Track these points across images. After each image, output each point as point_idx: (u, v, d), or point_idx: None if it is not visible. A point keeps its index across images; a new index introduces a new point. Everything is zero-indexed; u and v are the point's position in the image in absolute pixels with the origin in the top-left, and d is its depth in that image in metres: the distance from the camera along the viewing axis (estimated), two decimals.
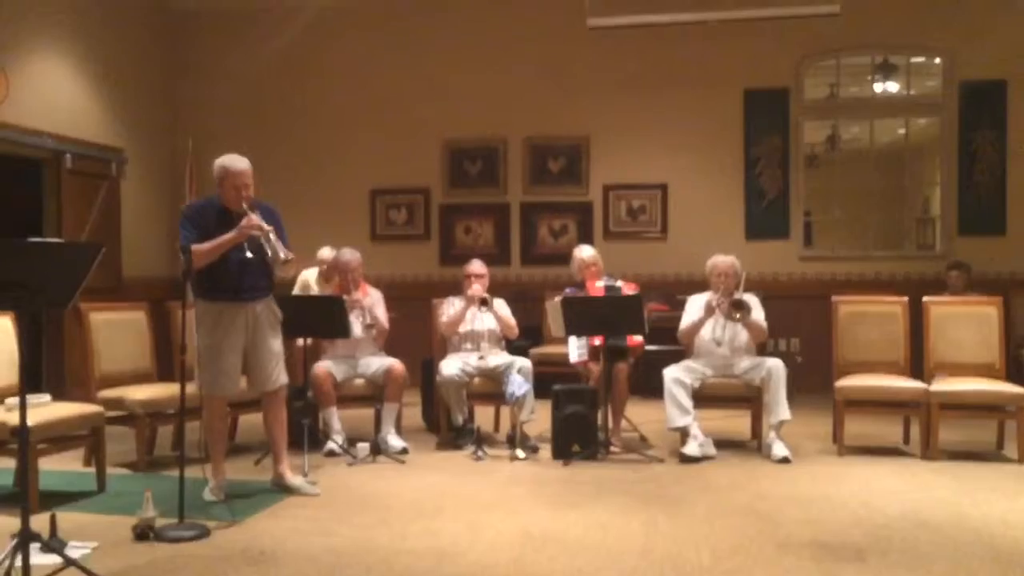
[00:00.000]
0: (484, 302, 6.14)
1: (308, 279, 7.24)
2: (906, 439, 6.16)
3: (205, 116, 9.55)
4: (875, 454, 5.92)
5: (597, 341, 5.98)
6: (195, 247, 4.57)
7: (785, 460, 5.60)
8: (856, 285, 8.60)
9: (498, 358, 6.20)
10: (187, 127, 9.36)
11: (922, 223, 10.08)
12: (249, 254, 4.70)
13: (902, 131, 9.54)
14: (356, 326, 6.08)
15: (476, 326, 6.32)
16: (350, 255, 6.30)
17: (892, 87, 9.23)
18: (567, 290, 6.33)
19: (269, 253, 4.64)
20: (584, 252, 6.44)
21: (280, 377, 5.00)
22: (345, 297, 6.04)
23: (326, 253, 7.10)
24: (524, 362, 6.13)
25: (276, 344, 4.97)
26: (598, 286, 6.24)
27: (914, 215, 10.06)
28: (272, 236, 4.65)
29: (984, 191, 8.64)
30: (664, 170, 9.11)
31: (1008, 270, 8.47)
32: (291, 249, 4.85)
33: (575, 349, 6.15)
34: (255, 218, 4.64)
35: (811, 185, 9.35)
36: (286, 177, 8.90)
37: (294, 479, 5.01)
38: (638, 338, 6.09)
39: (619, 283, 6.21)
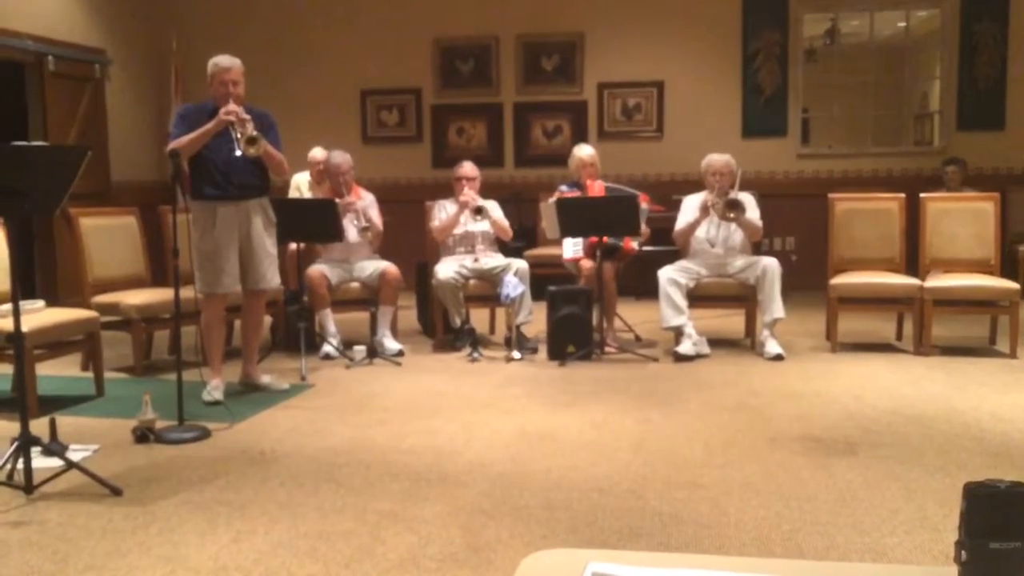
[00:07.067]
0: (479, 211, 6.07)
1: (300, 183, 7.15)
2: (899, 335, 6.21)
3: (189, 16, 9.30)
4: (868, 350, 5.96)
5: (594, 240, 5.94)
6: (178, 140, 4.63)
7: (778, 357, 5.65)
8: (853, 182, 8.55)
9: (494, 260, 6.18)
10: (171, 27, 9.11)
11: (920, 119, 9.95)
12: (238, 152, 4.72)
13: (902, 24, 9.33)
14: (350, 230, 6.04)
15: (470, 228, 6.27)
16: (340, 157, 6.22)
17: None
18: (562, 187, 6.27)
19: (237, 136, 4.66)
20: (583, 151, 6.33)
21: (273, 279, 5.06)
22: (338, 200, 5.98)
23: (318, 153, 7.00)
24: (521, 264, 6.11)
25: (270, 244, 5.00)
26: (598, 186, 6.17)
27: (913, 111, 9.92)
28: (249, 126, 4.67)
29: (984, 85, 8.50)
30: (660, 67, 8.93)
31: (1006, 165, 8.40)
32: (284, 153, 4.87)
33: (570, 246, 6.12)
34: (232, 106, 4.68)
35: (809, 81, 9.18)
36: (274, 78, 8.73)
37: (262, 377, 5.15)
38: (633, 244, 6.07)
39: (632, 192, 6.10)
